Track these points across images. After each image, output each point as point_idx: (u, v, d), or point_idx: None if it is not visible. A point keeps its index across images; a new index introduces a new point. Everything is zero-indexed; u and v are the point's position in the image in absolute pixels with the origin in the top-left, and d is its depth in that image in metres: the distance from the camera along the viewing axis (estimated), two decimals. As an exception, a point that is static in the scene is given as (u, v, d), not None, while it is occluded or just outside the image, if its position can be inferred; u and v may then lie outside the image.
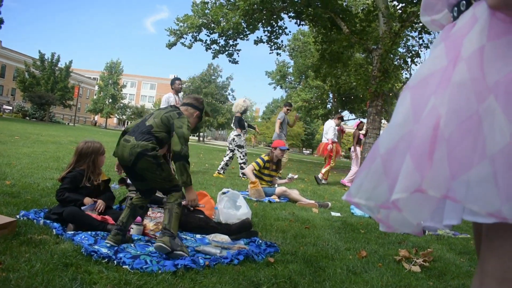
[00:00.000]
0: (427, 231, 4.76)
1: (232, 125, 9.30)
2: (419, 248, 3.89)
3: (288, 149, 7.15)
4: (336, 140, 9.87)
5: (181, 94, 8.68)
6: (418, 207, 0.92)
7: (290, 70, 52.34)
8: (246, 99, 9.32)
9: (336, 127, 9.99)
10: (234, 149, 9.03)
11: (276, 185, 6.52)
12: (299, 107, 39.66)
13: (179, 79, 8.37)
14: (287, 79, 55.12)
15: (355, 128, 10.80)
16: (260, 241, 3.37)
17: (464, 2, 1.02)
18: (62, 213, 3.23)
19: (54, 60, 46.86)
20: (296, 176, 6.64)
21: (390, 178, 0.92)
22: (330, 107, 44.83)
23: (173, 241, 2.76)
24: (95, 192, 3.66)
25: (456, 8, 1.07)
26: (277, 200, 6.04)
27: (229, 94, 65.22)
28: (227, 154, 9.16)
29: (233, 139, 8.97)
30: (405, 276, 2.95)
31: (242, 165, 8.97)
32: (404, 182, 0.84)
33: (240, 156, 8.97)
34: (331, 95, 43.37)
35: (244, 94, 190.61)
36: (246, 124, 9.29)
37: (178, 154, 2.78)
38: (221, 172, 9.04)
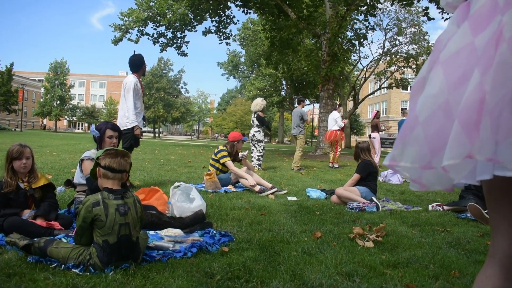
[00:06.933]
0: (380, 208, 4.90)
1: (252, 122, 10.01)
2: (372, 224, 3.98)
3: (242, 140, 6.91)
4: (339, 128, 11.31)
5: None
6: (462, 167, 1.06)
7: (242, 59, 52.26)
8: (263, 99, 10.17)
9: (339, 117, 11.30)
10: (255, 144, 9.84)
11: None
12: (254, 96, 39.66)
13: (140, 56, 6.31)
14: (239, 69, 55.03)
15: (373, 117, 12.26)
16: (215, 232, 3.33)
17: None
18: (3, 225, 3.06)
19: (-7, 64, 44.57)
20: (246, 153, 6.59)
21: (429, 143, 1.05)
22: (284, 94, 45.22)
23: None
24: (30, 201, 3.41)
25: None
26: (233, 189, 6.02)
27: (181, 87, 64.55)
28: (253, 151, 9.93)
29: (254, 135, 9.76)
30: (358, 253, 3.01)
31: (260, 157, 9.83)
32: (456, 149, 0.95)
33: (259, 150, 9.80)
34: (284, 82, 43.75)
35: (198, 87, 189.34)
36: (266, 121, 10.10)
37: None
38: (260, 168, 9.71)
